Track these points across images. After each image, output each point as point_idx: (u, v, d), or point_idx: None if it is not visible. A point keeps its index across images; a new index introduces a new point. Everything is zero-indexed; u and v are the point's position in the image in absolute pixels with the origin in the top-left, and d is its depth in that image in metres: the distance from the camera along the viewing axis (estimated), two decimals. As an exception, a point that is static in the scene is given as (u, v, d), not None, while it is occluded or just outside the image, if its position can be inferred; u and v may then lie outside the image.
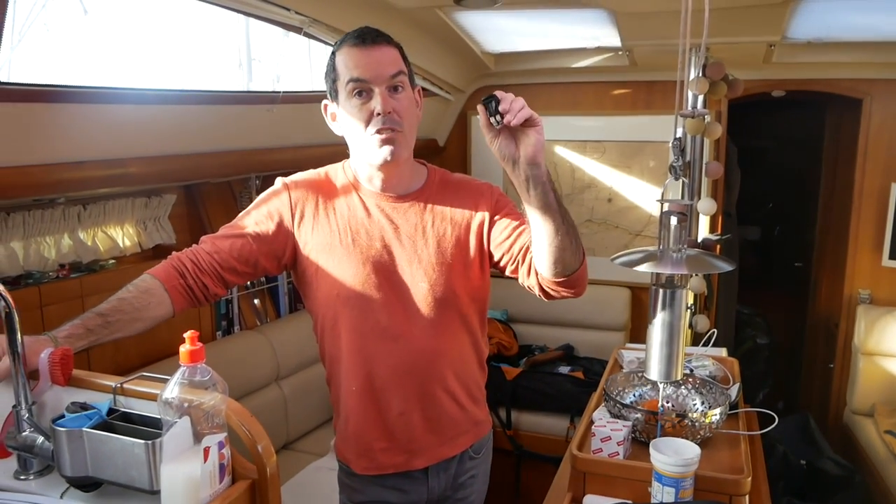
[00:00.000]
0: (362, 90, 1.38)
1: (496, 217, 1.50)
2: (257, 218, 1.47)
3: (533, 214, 1.31)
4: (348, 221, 1.47)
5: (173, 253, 1.47)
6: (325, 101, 1.48)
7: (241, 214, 1.51)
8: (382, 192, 1.48)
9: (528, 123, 1.23)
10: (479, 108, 1.23)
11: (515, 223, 1.49)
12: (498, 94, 1.22)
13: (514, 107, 1.21)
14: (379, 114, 1.37)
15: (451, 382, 1.54)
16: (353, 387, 1.50)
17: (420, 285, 1.47)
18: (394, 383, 1.49)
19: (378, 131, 1.38)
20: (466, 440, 1.61)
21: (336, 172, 1.53)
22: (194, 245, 1.48)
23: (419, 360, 1.49)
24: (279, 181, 1.51)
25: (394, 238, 1.47)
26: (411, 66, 1.48)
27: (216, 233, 1.49)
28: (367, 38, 1.38)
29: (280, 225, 1.47)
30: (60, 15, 2.22)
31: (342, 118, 1.43)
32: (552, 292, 1.44)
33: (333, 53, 1.42)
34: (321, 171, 1.54)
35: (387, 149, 1.39)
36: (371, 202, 1.48)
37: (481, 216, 1.50)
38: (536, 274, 1.41)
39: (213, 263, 1.44)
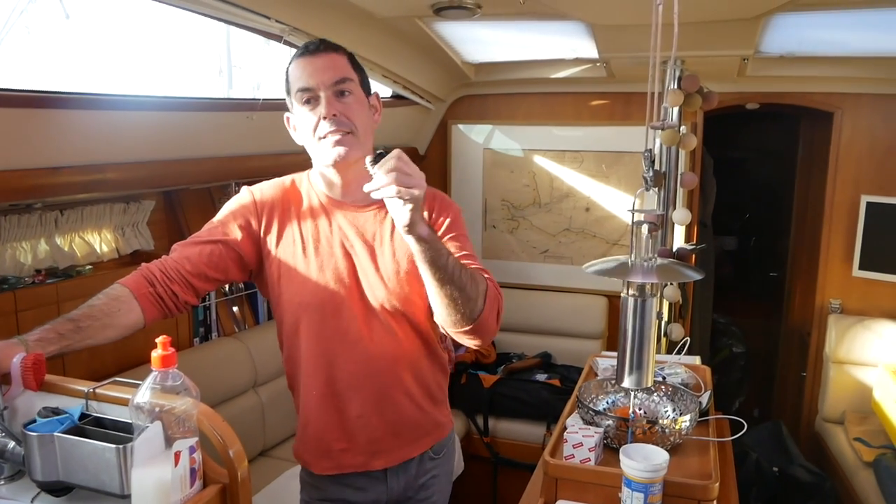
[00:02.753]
0: (310, 98, 1.44)
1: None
2: (225, 224, 1.51)
3: (421, 268, 1.32)
4: (311, 229, 1.51)
5: (143, 264, 1.50)
6: (286, 114, 1.54)
7: (209, 223, 1.54)
8: (343, 200, 1.53)
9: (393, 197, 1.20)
10: (367, 159, 1.25)
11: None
12: (391, 154, 1.21)
13: (379, 180, 1.19)
14: (324, 118, 1.42)
15: (410, 385, 1.57)
16: (313, 391, 1.54)
17: (378, 292, 1.51)
18: (353, 387, 1.52)
19: (326, 134, 1.43)
20: (427, 441, 1.64)
21: (301, 181, 1.57)
22: (164, 255, 1.51)
23: (378, 365, 1.52)
24: (245, 189, 1.56)
25: (353, 246, 1.51)
26: (364, 71, 1.54)
27: (185, 240, 1.52)
28: (311, 47, 1.46)
29: (248, 231, 1.51)
30: (42, 19, 2.22)
31: (297, 126, 1.50)
32: (455, 338, 1.45)
33: (287, 68, 1.49)
34: (286, 179, 1.58)
35: (338, 149, 1.43)
36: (333, 210, 1.53)
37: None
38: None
39: (181, 271, 1.46)
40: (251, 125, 2.49)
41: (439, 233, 1.51)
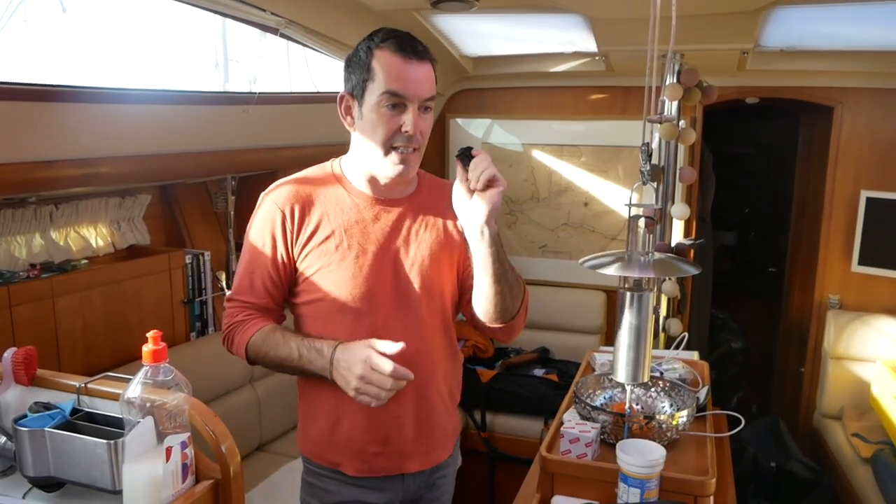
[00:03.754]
0: (397, 104, 1.36)
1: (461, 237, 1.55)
2: (265, 250, 1.47)
3: (478, 265, 1.41)
4: (343, 225, 1.46)
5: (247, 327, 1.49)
6: (342, 93, 1.44)
7: (249, 255, 1.49)
8: (379, 196, 1.49)
9: (490, 184, 1.32)
10: (457, 162, 1.34)
11: None
12: (482, 152, 1.34)
13: (482, 163, 1.32)
14: (407, 132, 1.37)
15: (441, 384, 1.56)
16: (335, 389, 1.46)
17: (414, 288, 1.49)
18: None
19: (400, 149, 1.39)
20: (451, 443, 1.64)
21: (325, 173, 1.52)
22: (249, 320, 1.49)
23: (414, 363, 1.46)
24: (268, 201, 1.47)
25: (388, 241, 1.48)
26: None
27: (243, 293, 1.49)
28: (414, 51, 1.37)
29: (284, 246, 1.46)
30: (38, 11, 2.20)
31: (364, 120, 1.40)
32: (484, 330, 1.58)
33: (370, 49, 1.38)
34: (308, 173, 1.52)
35: (402, 167, 1.40)
36: (365, 205, 1.48)
37: (455, 224, 1.54)
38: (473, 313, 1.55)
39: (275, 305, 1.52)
40: (247, 119, 2.48)
41: (462, 239, 1.55)
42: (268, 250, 1.45)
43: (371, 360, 1.30)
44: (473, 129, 3.75)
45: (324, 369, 1.37)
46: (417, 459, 1.55)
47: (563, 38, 2.92)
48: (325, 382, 1.44)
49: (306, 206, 1.46)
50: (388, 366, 1.30)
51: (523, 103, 3.67)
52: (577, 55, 3.18)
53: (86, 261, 2.34)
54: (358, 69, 1.39)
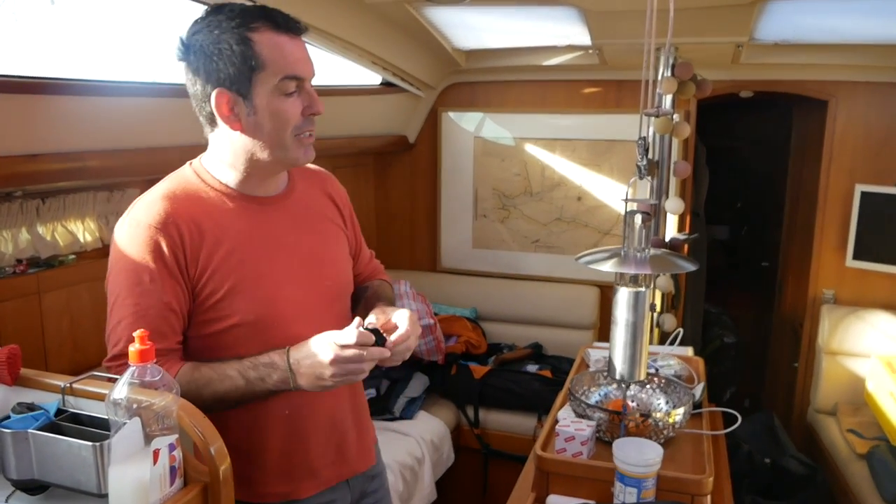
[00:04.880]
0: (297, 88, 1.26)
1: (349, 226, 1.55)
2: (153, 286, 1.24)
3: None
4: (238, 235, 1.31)
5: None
6: (219, 89, 1.23)
7: (134, 297, 1.24)
8: (258, 195, 1.36)
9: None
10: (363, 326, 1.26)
11: (366, 253, 1.64)
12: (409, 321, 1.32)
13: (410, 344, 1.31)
14: (316, 112, 1.28)
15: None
16: (285, 410, 1.37)
17: (328, 284, 1.43)
18: (324, 393, 1.36)
19: (306, 133, 1.29)
20: (373, 426, 1.62)
21: (190, 182, 1.33)
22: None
23: None
24: (142, 227, 1.24)
25: (289, 241, 1.37)
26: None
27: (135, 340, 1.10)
28: (295, 26, 1.26)
29: (179, 273, 1.26)
30: (27, 4, 2.16)
31: (260, 114, 1.25)
32: None
33: (240, 34, 1.21)
34: (171, 186, 1.31)
35: (311, 152, 1.32)
36: (251, 208, 1.34)
37: (338, 211, 1.52)
38: None
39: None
40: (237, 112, 2.44)
41: (351, 225, 1.55)
42: (158, 283, 1.23)
43: (334, 339, 1.20)
44: (465, 123, 3.73)
45: (283, 380, 1.23)
46: (359, 458, 1.51)
47: (556, 31, 2.90)
48: (271, 410, 1.34)
49: (190, 223, 1.26)
50: (352, 336, 1.20)
51: (516, 97, 3.65)
52: (570, 48, 3.16)
53: (73, 256, 2.30)
54: (231, 61, 1.21)
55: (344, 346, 1.20)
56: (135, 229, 1.25)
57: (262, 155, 1.29)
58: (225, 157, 1.32)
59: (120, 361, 1.21)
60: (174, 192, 1.29)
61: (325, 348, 1.21)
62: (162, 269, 1.23)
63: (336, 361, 1.20)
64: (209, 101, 1.25)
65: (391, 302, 1.54)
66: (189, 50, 1.25)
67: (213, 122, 1.29)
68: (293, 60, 1.24)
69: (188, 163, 1.38)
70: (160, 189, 1.31)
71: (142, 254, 1.23)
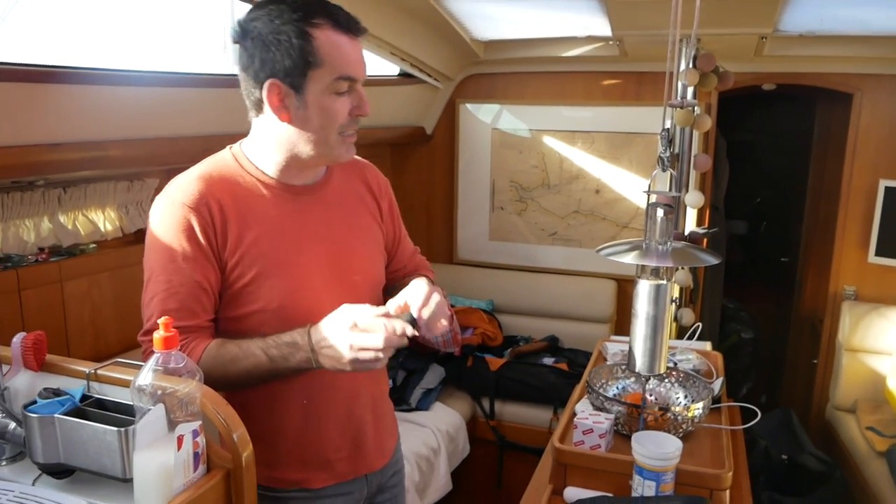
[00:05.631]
0: (349, 88, 1.26)
1: (386, 219, 1.53)
2: (186, 263, 1.25)
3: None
4: (269, 222, 1.31)
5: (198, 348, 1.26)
6: (273, 80, 1.23)
7: (166, 274, 1.26)
8: (293, 184, 1.36)
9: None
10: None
11: (408, 247, 1.62)
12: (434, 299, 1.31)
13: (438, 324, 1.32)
14: (362, 114, 1.29)
15: (384, 368, 1.48)
16: (303, 399, 1.37)
17: (356, 278, 1.41)
18: (346, 385, 1.40)
19: (350, 132, 1.30)
20: (396, 424, 1.61)
21: (229, 165, 1.34)
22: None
23: None
24: (176, 205, 1.26)
25: (320, 232, 1.37)
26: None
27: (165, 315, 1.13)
28: (356, 27, 1.26)
29: (212, 253, 1.27)
30: (47, -6, 2.18)
31: (309, 109, 1.25)
32: None
33: (301, 28, 1.20)
34: (209, 167, 1.32)
35: (352, 149, 1.33)
36: (286, 197, 1.34)
37: (376, 203, 1.51)
38: None
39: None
40: (257, 102, 2.44)
41: (389, 218, 1.53)
42: (190, 262, 1.25)
43: (354, 319, 1.19)
44: (483, 114, 3.72)
45: (306, 359, 1.22)
46: (377, 455, 1.50)
47: (576, 22, 2.88)
48: (289, 397, 1.34)
49: (224, 204, 1.27)
50: (370, 315, 1.19)
51: (534, 89, 3.63)
52: (590, 39, 3.13)
53: (94, 245, 2.32)
54: (289, 53, 1.20)
55: (360, 327, 1.19)
56: (169, 207, 1.26)
57: (305, 149, 1.29)
58: (266, 144, 1.33)
59: (150, 336, 1.20)
60: (210, 174, 1.30)
61: (343, 329, 1.19)
62: (194, 248, 1.25)
63: (353, 346, 1.19)
64: (260, 88, 1.25)
65: None
66: (246, 35, 1.24)
67: (259, 109, 1.29)
68: (350, 61, 1.25)
69: (228, 147, 1.38)
70: (197, 170, 1.31)
71: (175, 232, 1.25)
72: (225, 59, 2.69)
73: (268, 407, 1.36)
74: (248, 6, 2.26)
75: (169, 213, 1.26)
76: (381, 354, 1.19)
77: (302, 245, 1.34)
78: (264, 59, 1.22)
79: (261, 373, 1.25)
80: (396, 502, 1.60)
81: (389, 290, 1.52)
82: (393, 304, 1.30)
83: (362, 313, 1.20)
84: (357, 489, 1.48)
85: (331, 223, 1.39)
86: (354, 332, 1.19)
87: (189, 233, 1.24)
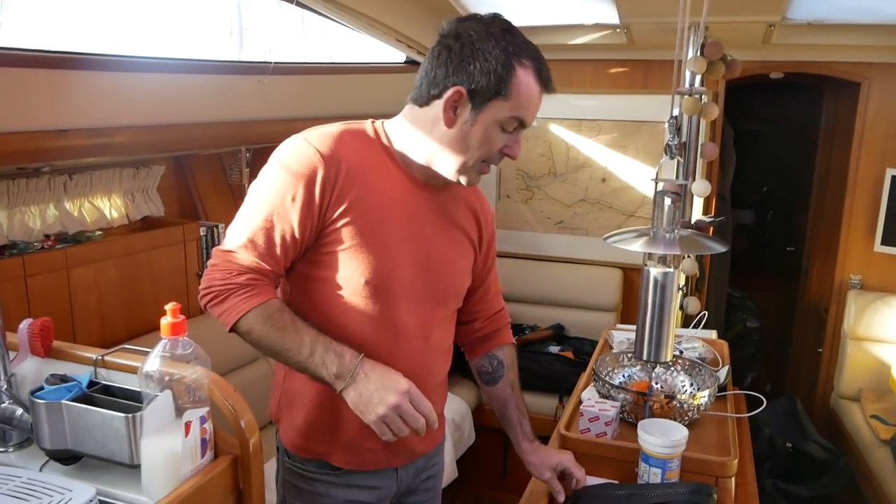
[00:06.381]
0: (514, 129, 1.28)
1: (483, 249, 1.51)
2: (293, 204, 1.23)
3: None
4: (385, 202, 1.30)
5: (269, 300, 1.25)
6: (460, 87, 1.22)
7: (270, 204, 1.24)
8: (421, 177, 1.35)
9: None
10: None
11: (494, 287, 1.60)
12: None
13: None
14: (510, 156, 1.31)
15: (443, 376, 1.49)
16: None
17: (441, 284, 1.39)
18: (402, 368, 1.32)
19: (487, 166, 1.31)
20: (443, 428, 1.59)
21: (369, 137, 1.33)
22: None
23: (430, 361, 1.41)
24: (311, 149, 1.24)
25: (425, 229, 1.36)
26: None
27: (251, 249, 1.23)
28: (550, 83, 1.29)
29: (319, 207, 1.25)
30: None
31: (472, 129, 1.25)
32: (460, 341, 1.60)
33: (510, 61, 1.22)
34: (349, 130, 1.31)
35: (478, 179, 1.34)
36: (409, 186, 1.33)
37: (478, 228, 1.49)
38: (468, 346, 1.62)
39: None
40: (262, 89, 2.44)
41: (486, 249, 1.51)
42: (297, 206, 1.22)
43: (413, 392, 1.20)
44: (490, 102, 3.69)
45: (338, 377, 1.20)
46: (406, 450, 1.44)
47: (583, 10, 2.85)
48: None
49: (351, 169, 1.26)
50: (427, 406, 1.21)
51: (541, 76, 3.60)
52: (597, 27, 3.11)
53: (100, 232, 2.33)
54: (487, 74, 1.21)
55: (413, 403, 1.19)
56: (303, 147, 1.25)
57: (443, 157, 1.29)
58: (412, 135, 1.32)
59: (228, 257, 1.23)
60: (351, 137, 1.30)
61: (399, 392, 1.19)
62: (307, 196, 1.22)
63: (396, 408, 1.18)
64: (443, 88, 1.24)
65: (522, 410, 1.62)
66: (458, 36, 1.24)
67: (426, 103, 1.28)
68: (530, 108, 1.26)
69: (370, 119, 1.37)
70: (338, 127, 1.30)
71: (297, 172, 1.23)
72: (231, 45, 2.68)
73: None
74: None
75: (300, 153, 1.24)
76: (406, 430, 1.20)
77: (406, 235, 1.32)
78: (463, 65, 1.22)
79: (292, 357, 1.23)
80: None
81: (467, 341, 1.60)
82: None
83: (418, 392, 1.21)
84: (384, 484, 1.44)
85: (437, 226, 1.38)
86: (406, 396, 1.19)
87: (310, 179, 1.22)
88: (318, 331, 1.24)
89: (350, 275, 1.28)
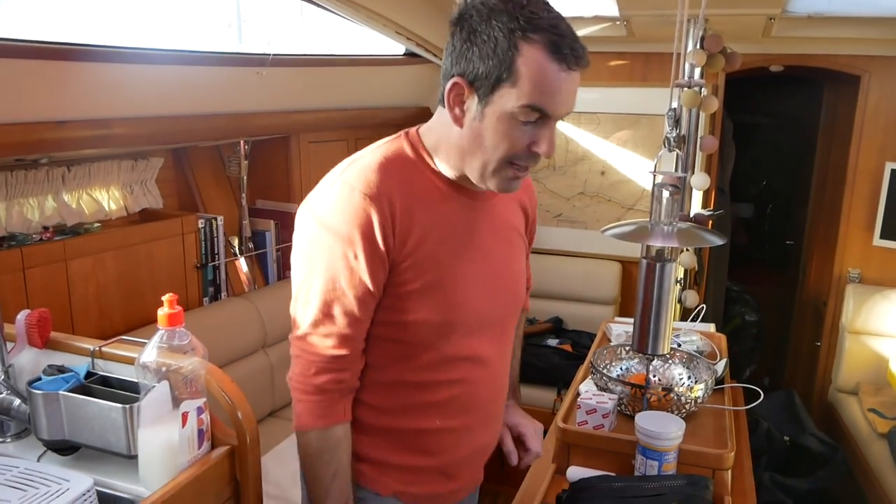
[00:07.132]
0: (536, 120, 1.07)
1: (529, 236, 1.44)
2: (362, 266, 1.10)
3: None
4: (443, 227, 1.17)
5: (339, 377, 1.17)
6: (460, 78, 1.07)
7: (341, 278, 1.11)
8: (464, 185, 1.19)
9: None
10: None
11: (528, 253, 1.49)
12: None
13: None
14: (539, 153, 1.10)
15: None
16: (454, 422, 1.27)
17: (508, 297, 1.30)
18: (483, 414, 1.31)
19: (519, 166, 1.11)
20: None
21: (406, 155, 1.18)
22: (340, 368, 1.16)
23: (501, 384, 1.37)
24: (357, 194, 1.09)
25: (489, 241, 1.24)
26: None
27: (343, 345, 1.14)
28: (575, 56, 1.05)
29: (386, 257, 1.12)
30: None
31: (483, 123, 1.08)
32: None
33: (513, 37, 1.02)
34: (388, 155, 1.16)
35: (511, 184, 1.14)
36: (460, 199, 1.19)
37: (526, 218, 1.40)
38: None
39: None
40: (261, 81, 2.43)
41: (529, 234, 1.44)
42: (362, 262, 1.09)
43: None
44: (489, 95, 3.68)
45: None
46: (474, 485, 1.45)
47: (582, 2, 2.84)
48: (418, 413, 1.24)
49: (403, 201, 1.11)
50: None
51: (540, 69, 3.59)
52: (596, 19, 3.10)
53: (98, 224, 2.33)
54: (488, 57, 1.04)
55: None
56: (347, 195, 1.09)
57: (465, 164, 1.14)
58: (443, 141, 1.17)
59: (303, 346, 1.15)
60: (390, 164, 1.14)
61: None
62: (370, 246, 1.09)
63: None
64: (447, 81, 1.10)
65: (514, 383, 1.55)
66: (460, 20, 1.08)
67: (441, 102, 1.14)
68: (549, 92, 1.05)
69: (404, 132, 1.22)
70: (374, 157, 1.15)
71: (351, 225, 1.08)
72: (230, 37, 2.67)
73: (412, 413, 1.25)
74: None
75: (346, 202, 1.09)
76: None
77: (472, 257, 1.21)
78: (462, 52, 1.07)
79: (311, 482, 1.19)
80: None
81: None
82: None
83: None
84: None
85: (496, 236, 1.27)
86: None
87: (367, 227, 1.08)
88: (348, 484, 1.19)
89: (427, 317, 1.17)
